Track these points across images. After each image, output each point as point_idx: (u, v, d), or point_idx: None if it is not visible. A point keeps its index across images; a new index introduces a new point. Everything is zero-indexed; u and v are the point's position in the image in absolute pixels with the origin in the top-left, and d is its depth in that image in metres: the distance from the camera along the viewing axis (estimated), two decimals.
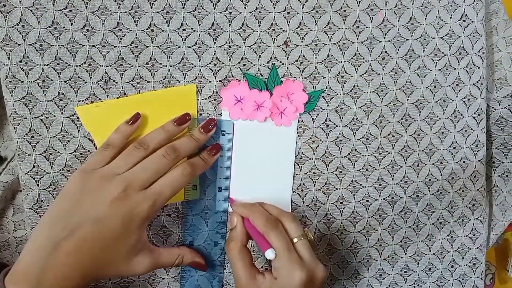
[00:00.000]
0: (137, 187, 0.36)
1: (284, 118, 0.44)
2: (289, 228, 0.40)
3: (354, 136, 0.45)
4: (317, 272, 0.38)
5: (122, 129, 0.40)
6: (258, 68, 0.43)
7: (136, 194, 0.36)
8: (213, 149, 0.42)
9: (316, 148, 0.45)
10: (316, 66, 0.44)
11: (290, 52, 0.44)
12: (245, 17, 0.43)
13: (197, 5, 0.42)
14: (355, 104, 0.45)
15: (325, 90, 0.44)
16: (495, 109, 0.49)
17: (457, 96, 0.47)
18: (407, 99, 0.46)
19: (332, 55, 0.44)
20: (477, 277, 0.49)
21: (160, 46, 0.42)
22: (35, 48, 0.40)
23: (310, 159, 0.45)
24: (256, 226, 0.40)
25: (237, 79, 0.43)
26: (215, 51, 0.43)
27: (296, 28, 0.44)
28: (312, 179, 0.45)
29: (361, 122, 0.45)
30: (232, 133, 0.44)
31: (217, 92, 0.43)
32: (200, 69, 0.43)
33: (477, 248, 0.49)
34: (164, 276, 0.44)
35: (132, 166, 0.37)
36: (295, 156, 0.44)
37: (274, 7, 0.43)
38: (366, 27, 0.45)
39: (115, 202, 0.35)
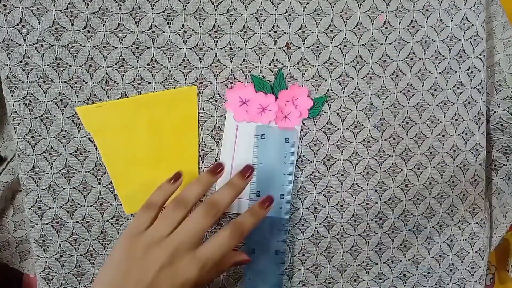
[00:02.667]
0: (184, 250, 0.35)
1: (288, 122, 0.44)
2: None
3: (355, 139, 0.45)
4: None
5: (164, 188, 0.39)
6: (260, 70, 0.43)
7: (183, 258, 0.35)
8: (266, 201, 0.39)
9: (318, 151, 0.45)
10: (317, 69, 0.44)
11: (291, 54, 0.44)
12: (246, 19, 0.43)
13: (198, 7, 0.42)
14: (356, 107, 0.45)
15: (326, 93, 0.44)
16: (495, 112, 0.49)
17: (457, 99, 0.47)
18: (408, 102, 0.46)
19: (333, 58, 0.44)
20: (476, 281, 0.49)
21: (161, 47, 0.42)
22: (35, 48, 0.40)
23: (311, 162, 0.45)
24: None
25: (239, 81, 0.43)
26: (216, 53, 0.43)
27: (298, 30, 0.44)
28: (313, 182, 0.45)
29: (362, 125, 0.45)
30: (295, 140, 0.44)
31: (218, 94, 0.43)
32: (201, 71, 0.43)
33: (476, 252, 0.49)
34: None
35: (175, 227, 0.36)
36: (296, 159, 0.44)
37: (276, 9, 0.43)
38: (367, 30, 0.44)
39: (163, 269, 0.34)
